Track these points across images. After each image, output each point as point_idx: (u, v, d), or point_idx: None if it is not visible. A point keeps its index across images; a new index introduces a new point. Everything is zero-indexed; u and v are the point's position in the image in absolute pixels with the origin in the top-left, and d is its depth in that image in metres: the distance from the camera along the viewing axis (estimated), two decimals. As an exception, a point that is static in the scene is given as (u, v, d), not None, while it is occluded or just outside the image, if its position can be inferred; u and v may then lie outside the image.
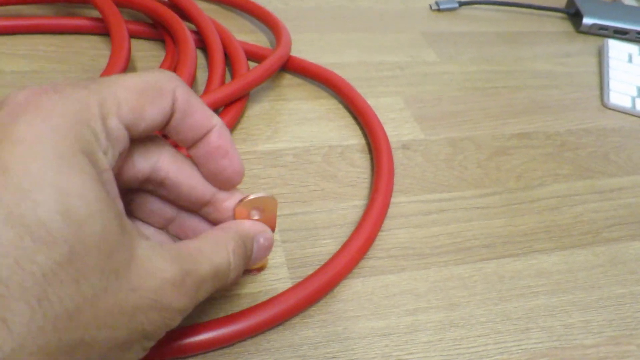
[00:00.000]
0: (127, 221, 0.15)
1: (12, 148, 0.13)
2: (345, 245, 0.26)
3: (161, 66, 0.34)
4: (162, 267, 0.15)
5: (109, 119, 0.15)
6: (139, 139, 0.18)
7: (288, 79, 0.39)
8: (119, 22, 0.34)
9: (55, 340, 0.13)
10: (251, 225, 0.20)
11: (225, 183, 0.20)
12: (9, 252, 0.12)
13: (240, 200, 0.21)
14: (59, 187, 0.13)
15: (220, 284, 0.18)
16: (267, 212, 0.22)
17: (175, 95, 0.17)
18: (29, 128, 0.13)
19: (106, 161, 0.15)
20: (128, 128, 0.16)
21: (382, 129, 0.33)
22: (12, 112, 0.14)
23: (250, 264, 0.20)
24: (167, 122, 0.17)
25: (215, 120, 0.18)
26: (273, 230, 0.23)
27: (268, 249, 0.21)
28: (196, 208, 0.20)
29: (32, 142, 0.13)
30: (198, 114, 0.18)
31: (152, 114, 0.16)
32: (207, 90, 0.33)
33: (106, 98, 0.15)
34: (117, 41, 0.33)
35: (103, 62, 0.38)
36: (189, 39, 0.34)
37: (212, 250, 0.18)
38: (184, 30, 0.35)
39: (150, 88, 0.16)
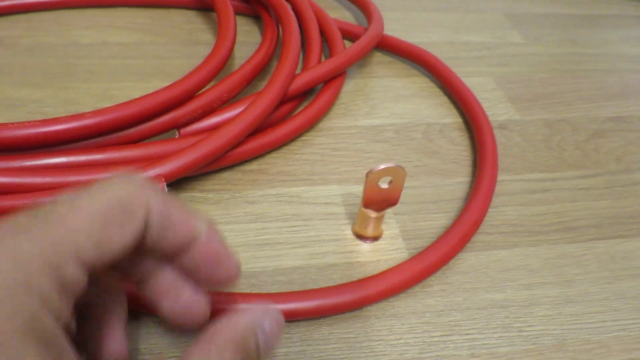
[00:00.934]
0: None
1: None
2: (458, 220, 0.26)
3: (262, 42, 0.34)
4: None
5: (64, 269, 0.12)
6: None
7: (378, 56, 0.39)
8: (223, -3, 0.35)
9: None
10: (245, 316, 0.16)
11: (219, 285, 0.17)
12: None
13: (371, 170, 0.22)
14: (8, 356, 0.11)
15: None
16: (395, 182, 0.23)
17: (148, 210, 0.14)
18: None
19: (58, 329, 0.12)
20: (91, 267, 0.13)
21: (481, 108, 0.33)
22: None
23: (263, 354, 0.16)
24: (140, 241, 0.14)
25: (200, 225, 0.16)
26: (396, 202, 0.23)
27: (278, 334, 0.16)
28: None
29: None
30: (178, 225, 0.15)
31: (120, 243, 0.13)
32: (306, 67, 0.34)
33: (57, 242, 0.12)
34: (223, 15, 0.34)
35: (199, 36, 0.39)
36: (292, 17, 0.34)
37: None
38: (285, 6, 0.35)
39: (116, 211, 0.13)
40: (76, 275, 0.12)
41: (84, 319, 0.16)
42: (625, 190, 0.30)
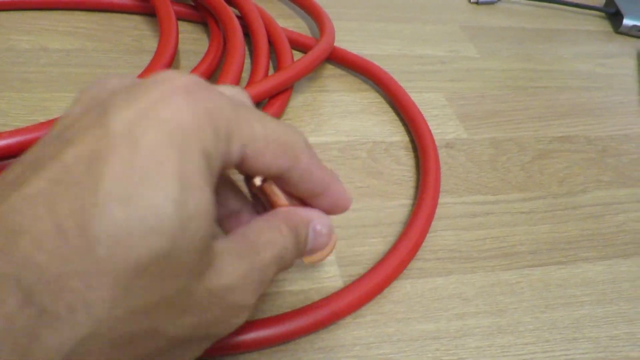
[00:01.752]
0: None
1: (152, 127, 0.13)
2: (395, 246, 0.26)
3: (207, 52, 0.34)
4: (233, 265, 0.15)
5: (234, 143, 0.15)
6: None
7: (330, 69, 0.39)
8: (166, 3, 0.34)
9: (127, 331, 0.13)
10: (304, 211, 0.18)
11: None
12: (116, 234, 0.12)
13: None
14: (181, 177, 0.13)
15: (278, 272, 0.17)
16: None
17: (297, 161, 0.16)
18: (175, 113, 0.13)
19: (217, 168, 0.15)
20: (243, 159, 0.15)
21: (428, 128, 0.33)
22: (168, 91, 0.13)
23: (309, 254, 0.19)
24: (277, 176, 0.17)
25: (334, 187, 0.18)
26: None
27: (326, 236, 0.19)
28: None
29: (171, 128, 0.13)
30: (313, 183, 0.17)
31: (266, 164, 0.16)
32: (251, 81, 0.33)
33: (243, 125, 0.15)
34: (166, 23, 0.33)
35: (145, 43, 0.37)
36: (237, 27, 0.33)
37: (269, 238, 0.17)
38: (231, 16, 0.34)
39: (278, 142, 0.16)
40: (236, 155, 0.15)
41: None
42: (565, 214, 0.31)
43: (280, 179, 0.17)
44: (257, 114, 0.16)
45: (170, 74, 0.14)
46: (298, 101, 0.35)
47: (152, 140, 0.13)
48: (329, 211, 0.19)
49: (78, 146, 0.12)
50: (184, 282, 0.13)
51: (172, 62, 0.31)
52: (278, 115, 0.32)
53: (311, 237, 0.18)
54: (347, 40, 0.42)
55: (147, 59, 0.36)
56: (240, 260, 0.15)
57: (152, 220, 0.12)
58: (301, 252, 0.18)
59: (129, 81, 0.15)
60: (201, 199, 0.13)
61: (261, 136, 0.15)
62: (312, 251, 0.19)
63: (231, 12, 0.35)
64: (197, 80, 0.14)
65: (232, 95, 0.17)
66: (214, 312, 0.15)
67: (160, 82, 0.14)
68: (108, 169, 0.12)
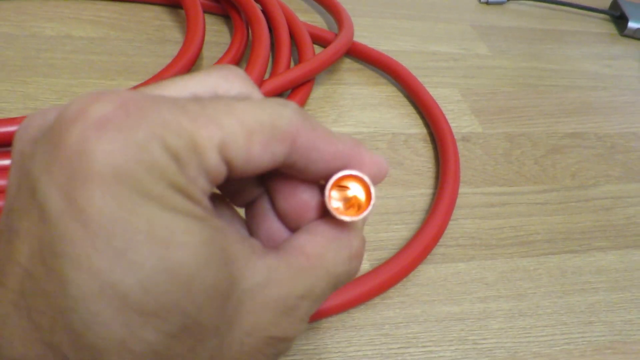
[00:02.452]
0: (237, 246, 0.12)
1: (90, 187, 0.10)
2: (420, 231, 0.27)
3: (231, 44, 0.34)
4: (277, 295, 0.13)
5: (207, 152, 0.11)
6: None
7: (347, 63, 0.40)
8: (192, -4, 0.35)
9: None
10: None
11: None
12: (112, 332, 0.10)
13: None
14: (156, 237, 0.10)
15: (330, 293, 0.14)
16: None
17: (294, 140, 0.13)
18: (108, 157, 0.10)
19: (200, 191, 0.12)
20: (229, 165, 0.12)
21: (446, 120, 0.34)
22: (88, 131, 0.10)
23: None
24: (281, 163, 0.13)
25: (358, 156, 0.14)
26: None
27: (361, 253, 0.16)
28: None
29: (113, 178, 0.10)
30: (327, 160, 0.13)
31: (258, 159, 0.12)
32: (274, 73, 0.34)
33: (207, 127, 0.11)
34: (192, 13, 0.33)
35: (167, 33, 0.38)
36: (263, 21, 0.34)
37: (334, 257, 0.14)
38: (255, 8, 0.35)
39: (262, 126, 0.12)
40: (217, 166, 0.12)
41: None
42: (578, 206, 0.32)
43: (288, 170, 0.14)
44: (226, 104, 0.12)
45: (85, 101, 0.11)
46: (319, 93, 0.36)
47: (101, 202, 0.10)
48: None
49: (25, 241, 0.10)
50: (215, 341, 0.12)
51: (199, 53, 0.32)
52: (301, 106, 0.33)
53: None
54: (362, 36, 0.42)
55: (169, 48, 0.37)
56: (288, 288, 0.13)
57: (147, 304, 0.10)
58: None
59: (47, 123, 0.12)
60: (193, 247, 0.11)
61: (237, 129, 0.12)
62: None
63: (255, 4, 0.36)
64: (122, 102, 0.11)
65: (196, 92, 0.13)
66: (262, 352, 0.13)
67: (73, 121, 0.10)
68: (66, 265, 0.10)
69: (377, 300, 0.25)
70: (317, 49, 0.39)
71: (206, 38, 0.38)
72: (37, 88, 0.31)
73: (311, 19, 0.44)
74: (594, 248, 0.29)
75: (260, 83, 0.30)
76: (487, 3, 0.52)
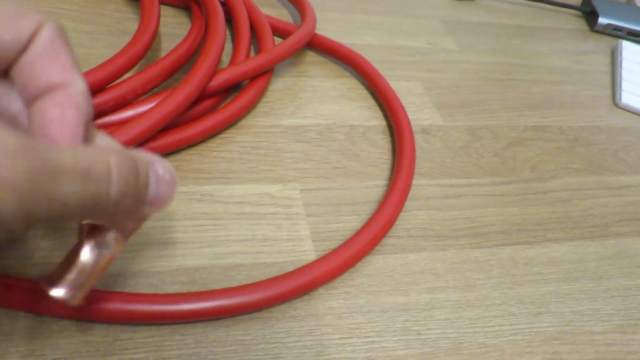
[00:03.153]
0: None
1: None
2: (369, 222, 0.26)
3: (188, 34, 0.34)
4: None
5: None
6: None
7: (310, 55, 0.39)
8: (149, -13, 0.34)
9: None
10: (144, 155, 0.16)
11: None
12: None
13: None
14: None
15: (93, 191, 0.13)
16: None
17: (39, 28, 0.14)
18: None
19: None
20: None
21: (404, 112, 0.33)
22: None
23: (153, 200, 0.16)
24: (15, 59, 0.14)
25: (77, 85, 0.15)
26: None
27: (171, 183, 0.17)
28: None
29: None
30: (57, 66, 0.14)
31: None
32: (232, 62, 0.33)
33: None
34: (147, 6, 0.33)
35: (128, 25, 0.38)
36: (219, 11, 0.34)
37: (84, 153, 0.13)
38: (213, 1, 0.35)
39: (9, 8, 0.13)
40: None
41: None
42: (535, 197, 0.32)
43: (15, 67, 0.14)
44: None
45: None
46: (278, 85, 0.35)
47: None
48: None
49: None
50: None
51: (150, 44, 0.31)
52: (258, 96, 0.33)
53: (153, 179, 0.16)
54: (328, 29, 0.42)
55: (128, 40, 0.36)
56: (16, 137, 0.12)
57: None
58: (142, 194, 0.16)
59: None
60: None
61: None
62: (157, 198, 0.16)
63: (213, -5, 0.35)
64: None
65: None
66: None
67: None
68: None
69: (321, 290, 0.24)
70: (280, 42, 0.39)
71: (167, 30, 0.38)
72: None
73: (279, 13, 0.43)
74: (548, 239, 0.29)
75: (213, 73, 0.30)
76: (458, 0, 0.52)
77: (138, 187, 0.15)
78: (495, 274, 0.27)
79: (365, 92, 0.37)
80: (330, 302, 0.24)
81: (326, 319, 0.23)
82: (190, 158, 0.29)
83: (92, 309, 0.20)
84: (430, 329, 0.24)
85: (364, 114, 0.35)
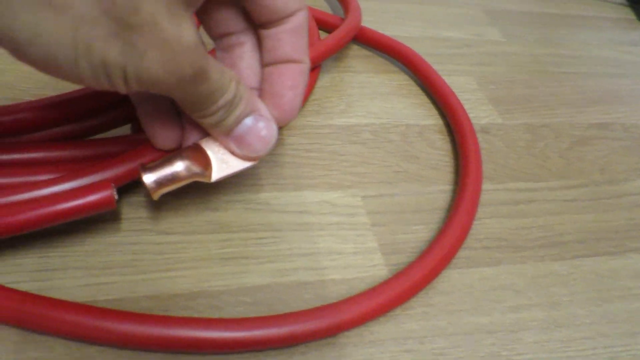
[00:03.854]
0: None
1: None
2: (442, 233, 0.24)
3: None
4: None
5: None
6: None
7: (354, 49, 0.37)
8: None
9: None
10: (264, 106, 0.20)
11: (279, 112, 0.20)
12: None
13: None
14: None
15: (210, 90, 0.17)
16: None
17: (297, 11, 0.18)
18: None
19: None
20: None
21: (464, 110, 0.31)
22: None
23: (236, 137, 0.19)
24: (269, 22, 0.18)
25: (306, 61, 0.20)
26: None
27: (260, 139, 0.19)
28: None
29: None
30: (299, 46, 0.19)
31: None
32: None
33: None
34: None
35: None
36: None
37: (228, 74, 0.17)
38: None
39: None
40: None
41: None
42: (610, 202, 0.29)
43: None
44: None
45: None
46: (325, 81, 0.33)
47: None
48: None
49: None
50: None
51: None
52: (307, 95, 0.30)
53: (245, 124, 0.19)
54: (368, 20, 0.40)
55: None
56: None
57: None
58: (227, 127, 0.19)
59: None
60: None
61: None
62: (239, 141, 0.19)
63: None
64: None
65: None
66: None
67: None
68: None
69: (397, 311, 0.22)
70: (323, 35, 0.36)
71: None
72: (14, 75, 0.28)
73: (313, 3, 0.41)
74: (630, 249, 0.27)
75: (262, 69, 0.27)
76: (498, -13, 0.49)
77: (229, 114, 0.18)
78: (579, 289, 0.24)
79: (416, 88, 0.34)
80: (408, 323, 0.21)
81: (407, 344, 0.21)
82: (241, 162, 0.26)
83: (167, 336, 0.18)
84: (520, 354, 0.21)
85: (418, 112, 0.32)
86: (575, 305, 0.24)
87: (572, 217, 0.28)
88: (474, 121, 0.32)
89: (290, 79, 0.20)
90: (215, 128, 0.19)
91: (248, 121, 0.19)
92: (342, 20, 0.36)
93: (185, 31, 0.15)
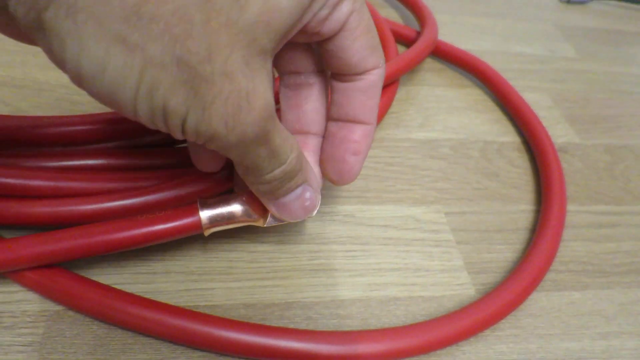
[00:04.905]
0: None
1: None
2: (530, 254, 0.24)
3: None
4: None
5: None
6: None
7: (428, 62, 0.37)
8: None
9: None
10: (315, 174, 0.19)
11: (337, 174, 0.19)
12: None
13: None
14: None
15: (270, 156, 0.16)
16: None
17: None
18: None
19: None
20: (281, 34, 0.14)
21: (544, 129, 0.31)
22: None
23: (280, 204, 0.18)
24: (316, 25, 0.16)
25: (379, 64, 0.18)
26: None
27: (303, 209, 0.19)
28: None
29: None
30: (357, 48, 0.17)
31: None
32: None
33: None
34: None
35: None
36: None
37: (288, 141, 0.16)
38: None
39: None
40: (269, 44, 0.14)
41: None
42: (696, 230, 0.28)
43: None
44: None
45: None
46: (401, 94, 0.33)
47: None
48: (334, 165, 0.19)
49: None
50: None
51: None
52: (387, 108, 0.30)
53: (294, 194, 0.18)
54: (441, 34, 0.39)
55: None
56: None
57: None
58: (274, 193, 0.18)
59: None
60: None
61: None
62: (280, 208, 0.18)
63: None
64: None
65: None
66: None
67: None
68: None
69: (487, 332, 0.22)
70: (405, 50, 0.37)
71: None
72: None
73: (387, 14, 0.41)
74: None
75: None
76: (568, 2, 0.48)
77: (282, 185, 0.17)
78: (670, 319, 0.24)
79: (491, 103, 0.34)
80: (499, 345, 0.21)
81: (498, 366, 0.21)
82: (326, 174, 0.27)
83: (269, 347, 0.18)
84: (613, 383, 0.21)
85: (495, 129, 0.32)
86: (666, 335, 0.23)
87: (657, 243, 0.27)
88: (552, 140, 0.32)
89: (354, 144, 0.19)
90: (263, 193, 0.18)
91: (297, 191, 0.18)
92: (418, 33, 0.36)
93: (259, 87, 0.14)
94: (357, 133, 0.19)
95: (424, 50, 0.33)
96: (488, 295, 0.22)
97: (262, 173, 0.16)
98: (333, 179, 0.19)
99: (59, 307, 0.19)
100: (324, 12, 0.15)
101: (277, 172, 0.16)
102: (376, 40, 0.17)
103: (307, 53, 0.18)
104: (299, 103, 0.19)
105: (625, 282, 0.25)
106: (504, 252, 0.25)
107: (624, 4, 0.50)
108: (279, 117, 0.19)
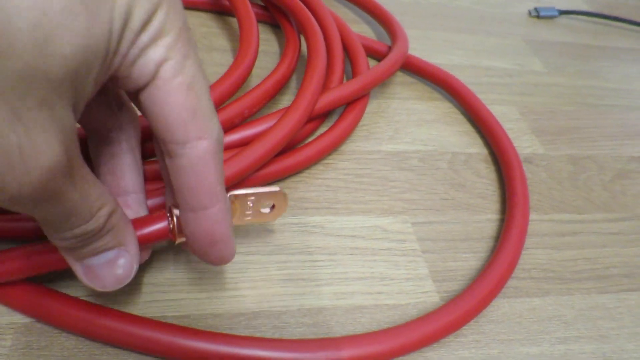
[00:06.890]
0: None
1: None
2: (492, 262, 0.25)
3: (284, 54, 0.33)
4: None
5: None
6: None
7: (399, 76, 0.38)
8: (245, 3, 0.33)
9: None
10: (135, 238, 0.17)
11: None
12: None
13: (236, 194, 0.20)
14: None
15: (64, 215, 0.14)
16: (277, 208, 0.21)
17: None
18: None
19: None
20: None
21: (510, 141, 0.32)
22: None
23: (88, 270, 0.16)
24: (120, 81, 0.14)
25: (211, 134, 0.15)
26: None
27: (115, 278, 0.16)
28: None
29: None
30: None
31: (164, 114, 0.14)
32: (327, 86, 0.32)
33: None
34: (246, 25, 0.32)
35: (215, 41, 0.37)
36: (318, 32, 0.32)
37: (91, 197, 0.14)
38: (311, 20, 0.33)
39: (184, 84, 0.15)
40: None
41: (100, 157, 0.19)
42: (654, 237, 0.29)
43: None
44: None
45: None
46: (372, 107, 0.34)
47: None
48: (206, 249, 0.17)
49: None
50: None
51: (254, 63, 0.30)
52: (357, 122, 0.31)
53: (106, 257, 0.16)
54: (412, 48, 0.41)
55: (216, 56, 0.35)
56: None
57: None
58: (82, 255, 0.16)
59: None
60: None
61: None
62: (88, 272, 0.16)
63: (309, 14, 0.34)
64: None
65: None
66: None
67: None
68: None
69: (450, 338, 0.23)
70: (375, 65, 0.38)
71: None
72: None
73: (359, 29, 0.42)
74: (675, 285, 0.27)
75: (319, 94, 0.28)
76: (537, 17, 0.50)
77: (85, 245, 0.15)
78: (627, 323, 0.25)
79: (460, 116, 0.35)
80: (461, 351, 0.22)
81: (460, 371, 0.21)
82: (296, 185, 0.27)
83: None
84: (570, 385, 0.22)
85: (463, 140, 0.33)
86: (623, 339, 0.24)
87: (616, 250, 0.28)
88: (517, 151, 0.33)
89: (208, 235, 0.16)
90: (62, 250, 0.16)
91: (108, 254, 0.16)
92: (389, 47, 0.37)
93: (39, 143, 0.12)
94: (205, 221, 0.16)
95: (395, 64, 0.34)
96: (451, 302, 0.23)
97: (58, 230, 0.14)
98: (211, 261, 0.18)
99: (27, 320, 0.20)
100: (133, 52, 0.14)
101: (78, 230, 0.14)
102: (203, 104, 0.15)
103: (108, 107, 0.17)
104: (111, 162, 0.18)
105: (585, 288, 0.26)
106: (469, 261, 0.26)
107: (592, 18, 0.52)
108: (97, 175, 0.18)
